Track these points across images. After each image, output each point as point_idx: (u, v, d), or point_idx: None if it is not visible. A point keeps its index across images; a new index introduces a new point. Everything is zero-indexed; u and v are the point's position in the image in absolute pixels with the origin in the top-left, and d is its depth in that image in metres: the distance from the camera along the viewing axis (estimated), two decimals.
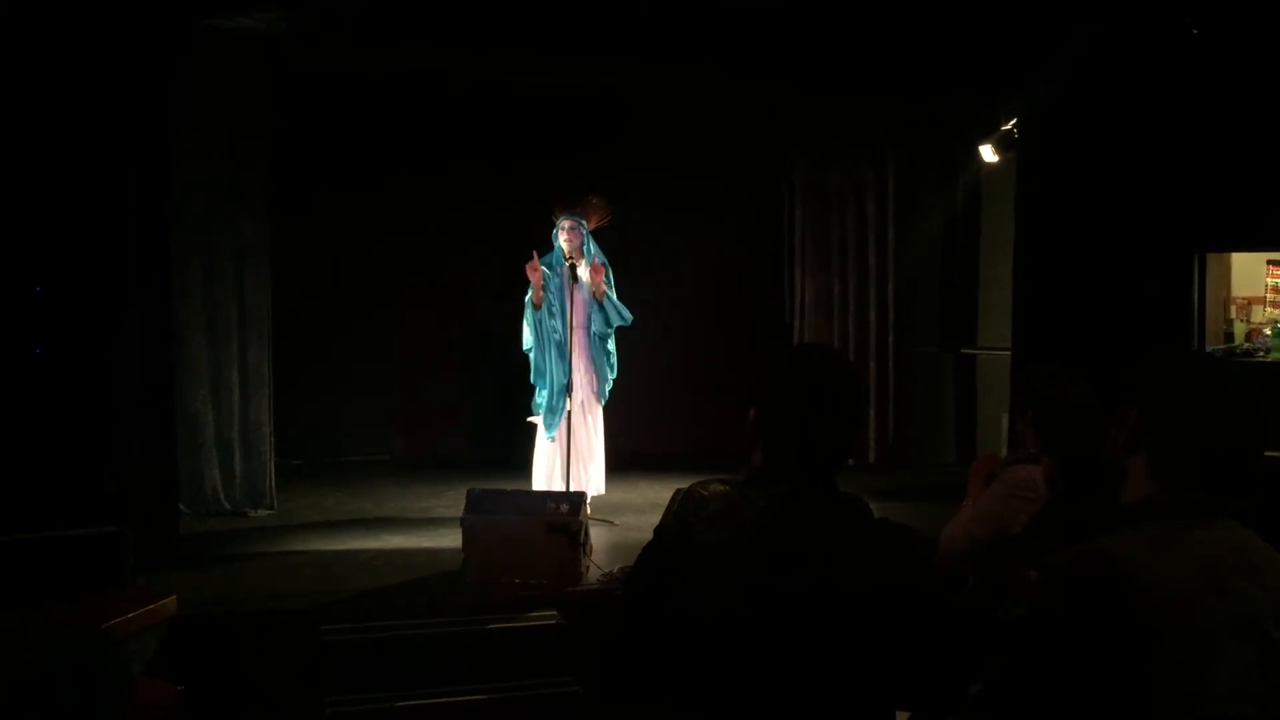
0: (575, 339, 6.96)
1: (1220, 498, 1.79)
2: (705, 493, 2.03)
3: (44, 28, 5.57)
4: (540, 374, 7.04)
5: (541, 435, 7.09)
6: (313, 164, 8.29)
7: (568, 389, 6.89)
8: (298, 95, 7.55)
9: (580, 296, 6.99)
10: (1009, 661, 1.78)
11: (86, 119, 5.71)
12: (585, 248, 7.05)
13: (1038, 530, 3.09)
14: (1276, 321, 7.20)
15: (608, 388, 7.22)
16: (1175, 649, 1.65)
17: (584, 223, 7.02)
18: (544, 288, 6.96)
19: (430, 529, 6.80)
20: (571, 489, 6.58)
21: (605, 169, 8.43)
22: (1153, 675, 1.64)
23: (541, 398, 7.05)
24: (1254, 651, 1.68)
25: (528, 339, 7.06)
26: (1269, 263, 7.41)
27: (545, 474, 7.01)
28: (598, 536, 6.26)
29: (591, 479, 7.11)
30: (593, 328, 7.12)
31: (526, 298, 7.01)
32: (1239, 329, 7.34)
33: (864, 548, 1.96)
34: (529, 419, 7.18)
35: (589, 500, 6.48)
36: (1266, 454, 1.81)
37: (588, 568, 5.73)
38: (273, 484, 7.34)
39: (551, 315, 6.99)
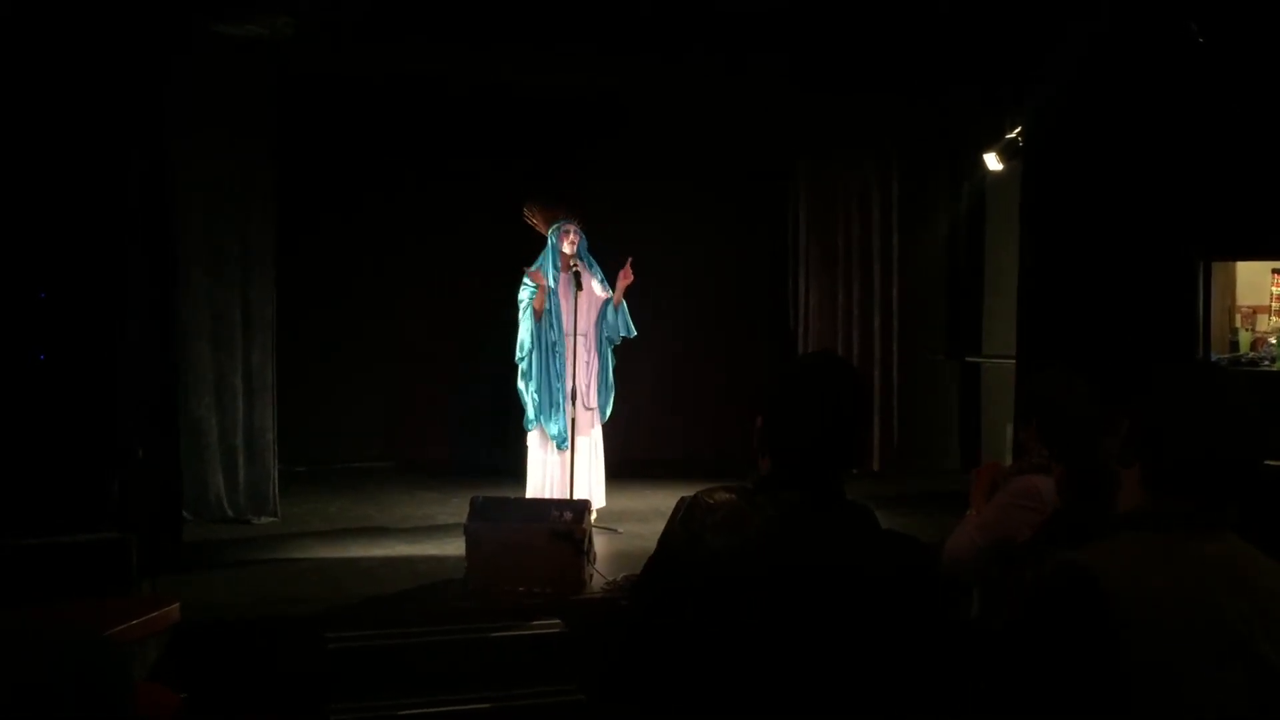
0: (580, 346, 6.91)
1: (1212, 509, 1.75)
2: (711, 501, 2.02)
3: (45, 33, 5.57)
4: (538, 385, 6.89)
5: (535, 446, 7.00)
6: (315, 167, 8.31)
7: (573, 396, 6.85)
8: (299, 97, 7.55)
9: (583, 303, 6.92)
10: (993, 671, 1.77)
11: (89, 123, 5.71)
12: (582, 251, 7.01)
13: (1044, 538, 3.08)
14: None
15: (610, 401, 7.18)
16: (1153, 663, 1.62)
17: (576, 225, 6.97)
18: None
19: (434, 536, 6.79)
20: (582, 498, 6.54)
21: (609, 173, 8.44)
22: (1130, 689, 1.62)
23: (536, 410, 6.92)
24: (1242, 668, 1.64)
25: (525, 345, 6.92)
26: (1274, 271, 7.40)
27: (539, 487, 6.92)
28: (601, 544, 6.24)
29: (595, 490, 7.04)
30: (604, 332, 7.07)
31: (526, 307, 6.88)
32: (1244, 338, 7.33)
33: (870, 556, 1.95)
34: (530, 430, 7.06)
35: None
36: (1268, 463, 1.77)
37: (591, 576, 5.71)
38: (276, 490, 7.33)
39: (550, 325, 6.89)
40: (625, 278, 6.94)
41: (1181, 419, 1.77)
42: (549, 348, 6.90)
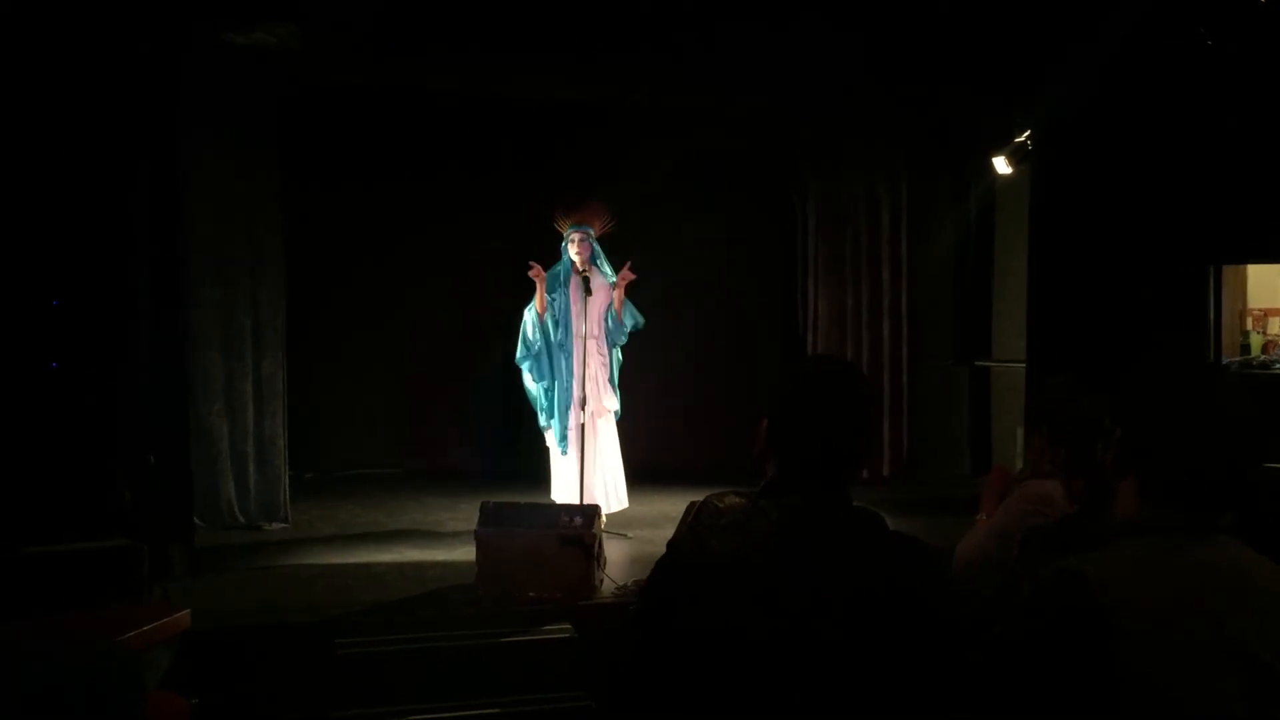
0: (587, 349, 6.93)
1: (1206, 516, 1.75)
2: (720, 505, 2.02)
3: (56, 43, 5.59)
4: (549, 384, 7.03)
5: (556, 450, 7.08)
6: (322, 175, 8.31)
7: (581, 402, 6.88)
8: (305, 107, 7.56)
9: (592, 308, 6.97)
10: (990, 678, 1.77)
11: (99, 132, 5.74)
12: (594, 257, 7.06)
13: (1045, 544, 3.06)
14: None
15: (618, 398, 7.22)
16: (1150, 669, 1.62)
17: (591, 232, 7.03)
18: (547, 297, 6.99)
19: (443, 542, 6.80)
20: (592, 503, 6.55)
21: (618, 180, 8.43)
22: (1125, 696, 1.62)
23: (547, 412, 7.05)
24: (1241, 676, 1.64)
25: (531, 345, 7.05)
26: None
27: (566, 490, 6.96)
28: (612, 549, 6.24)
29: (611, 492, 7.08)
30: (622, 329, 7.13)
31: (529, 306, 7.03)
32: (1255, 341, 7.31)
33: (877, 560, 1.95)
34: (546, 432, 7.17)
35: (610, 514, 6.42)
36: (1270, 466, 1.77)
37: (601, 581, 5.71)
38: (287, 497, 7.35)
39: (556, 326, 7.01)
40: (624, 279, 7.03)
41: (1173, 429, 1.77)
42: (556, 348, 7.02)
